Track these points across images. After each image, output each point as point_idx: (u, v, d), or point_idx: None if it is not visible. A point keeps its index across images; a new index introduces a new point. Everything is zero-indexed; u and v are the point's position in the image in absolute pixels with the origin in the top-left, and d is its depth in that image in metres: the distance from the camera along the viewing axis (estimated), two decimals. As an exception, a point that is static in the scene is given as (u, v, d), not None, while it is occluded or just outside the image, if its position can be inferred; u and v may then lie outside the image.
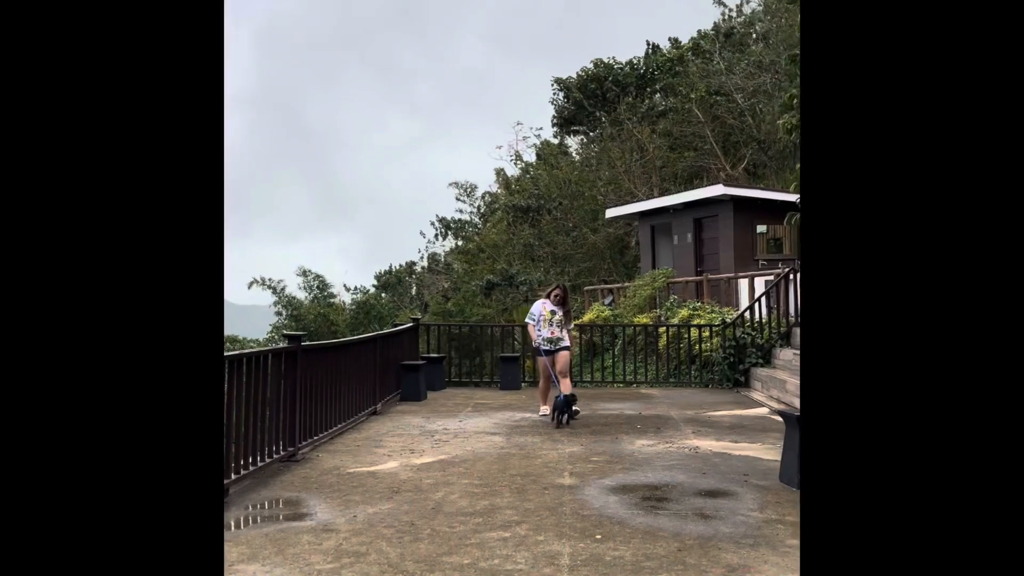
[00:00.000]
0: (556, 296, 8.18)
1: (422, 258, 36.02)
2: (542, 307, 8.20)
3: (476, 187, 35.02)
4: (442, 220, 35.21)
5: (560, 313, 8.14)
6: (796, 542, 4.04)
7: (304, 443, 6.42)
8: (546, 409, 8.14)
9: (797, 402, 8.58)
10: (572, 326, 8.68)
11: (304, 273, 31.24)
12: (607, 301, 17.50)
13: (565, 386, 7.80)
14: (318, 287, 31.76)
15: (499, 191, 31.33)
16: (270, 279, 27.07)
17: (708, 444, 6.79)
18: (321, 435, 6.87)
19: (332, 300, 29.08)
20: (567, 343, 8.19)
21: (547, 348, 8.07)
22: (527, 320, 8.32)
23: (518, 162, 30.59)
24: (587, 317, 15.38)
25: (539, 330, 8.12)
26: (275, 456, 5.84)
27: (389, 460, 6.17)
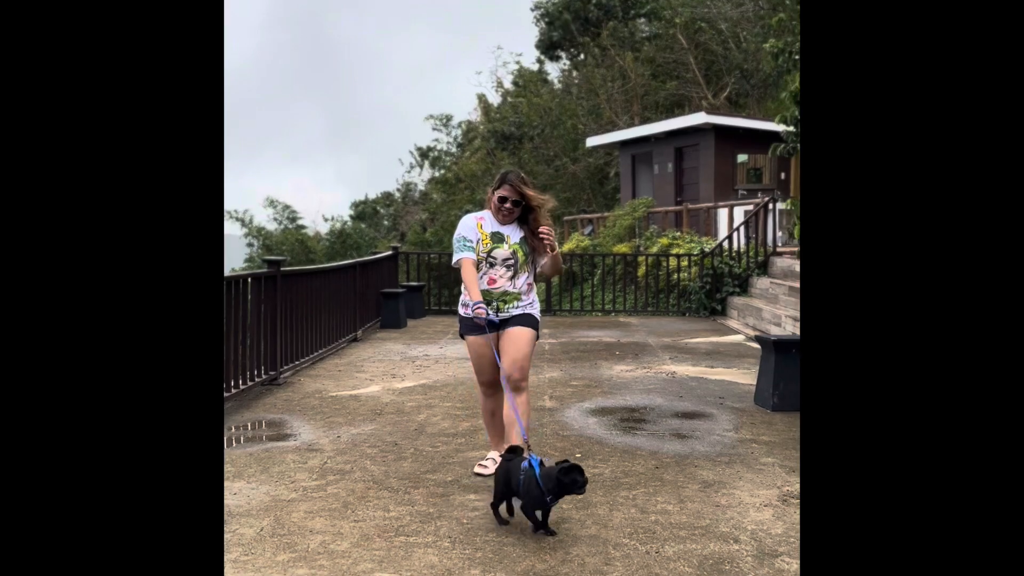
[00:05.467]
0: (504, 201, 3.66)
1: (399, 188, 35.58)
2: (476, 225, 3.72)
3: (452, 117, 34.37)
4: (419, 149, 34.65)
5: (515, 238, 3.69)
6: (770, 460, 4.17)
7: (285, 367, 6.44)
8: (486, 464, 3.88)
9: (773, 329, 8.74)
10: (547, 261, 3.75)
11: (271, 203, 30.72)
12: (586, 231, 17.49)
13: (518, 407, 3.59)
14: (287, 218, 31.31)
15: (478, 119, 30.77)
16: (235, 210, 26.62)
17: (685, 369, 6.92)
18: (302, 360, 6.89)
19: (303, 230, 28.73)
20: (531, 304, 3.77)
21: (487, 318, 3.57)
22: (456, 254, 3.71)
23: (499, 88, 29.97)
24: (567, 247, 15.38)
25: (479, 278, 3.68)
26: (257, 380, 5.85)
27: (371, 384, 6.22)
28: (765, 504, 3.48)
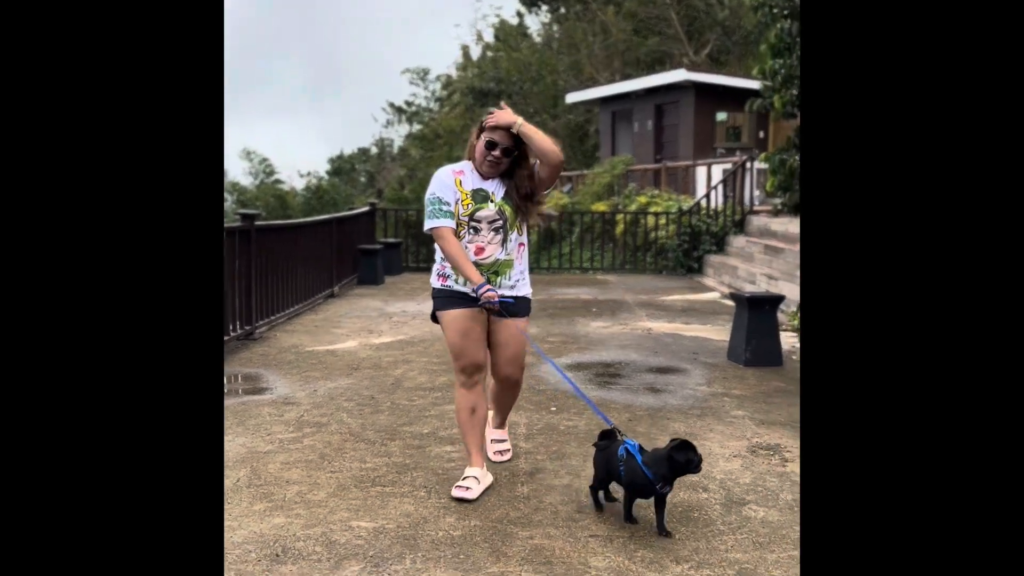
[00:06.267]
0: (493, 148, 2.97)
1: (375, 144, 35.13)
2: (454, 183, 3.03)
3: (429, 71, 33.78)
4: (392, 105, 34.09)
5: (500, 194, 3.03)
6: (741, 412, 4.26)
7: (261, 322, 6.42)
8: (467, 486, 3.01)
9: (748, 287, 8.83)
10: (535, 221, 3.16)
11: (248, 156, 30.01)
12: (565, 188, 17.44)
13: (507, 399, 3.32)
14: (264, 171, 30.71)
15: (457, 74, 30.30)
16: None
17: (660, 326, 7.00)
18: (278, 315, 6.87)
19: (280, 185, 28.27)
20: (523, 277, 3.15)
21: (501, 300, 3.01)
22: (430, 219, 3.01)
23: (480, 41, 29.48)
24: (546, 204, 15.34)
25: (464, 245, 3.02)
26: (232, 334, 5.83)
27: (348, 340, 6.23)
28: (734, 455, 3.56)
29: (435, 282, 3.10)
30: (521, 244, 3.11)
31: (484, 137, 2.98)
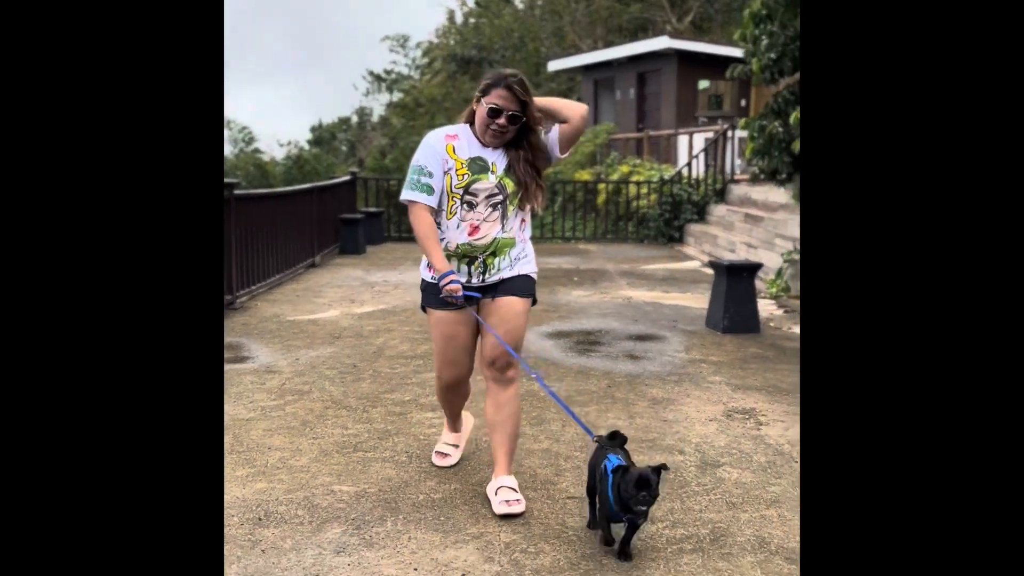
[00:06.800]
0: (498, 115, 2.55)
1: (355, 112, 34.67)
2: (446, 149, 2.62)
3: (409, 38, 33.31)
4: (373, 74, 33.59)
5: (502, 165, 2.62)
6: (718, 378, 4.34)
7: (242, 292, 6.40)
8: (445, 451, 3.08)
9: (728, 255, 8.90)
10: (542, 201, 2.69)
11: (227, 124, 29.61)
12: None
13: (505, 411, 2.72)
14: (244, 140, 30.30)
15: (439, 40, 29.89)
16: None
17: (641, 294, 7.06)
18: (259, 285, 6.85)
19: (260, 155, 27.96)
20: (525, 255, 2.74)
21: (463, 295, 2.58)
22: (407, 190, 2.62)
23: (463, 6, 29.04)
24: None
25: (443, 227, 2.64)
26: (213, 305, 5.81)
27: (330, 309, 6.23)
28: (710, 419, 3.63)
29: (424, 272, 2.71)
30: (523, 220, 2.71)
31: (486, 103, 2.54)
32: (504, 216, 2.62)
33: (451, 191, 2.59)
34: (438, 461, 3.04)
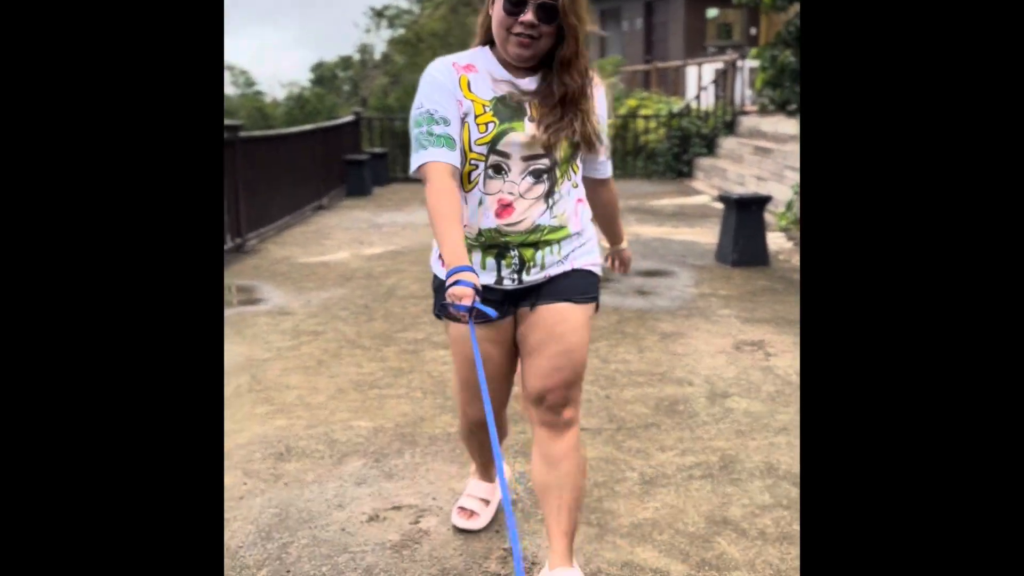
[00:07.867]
0: (520, 4, 1.58)
1: (357, 50, 34.01)
2: (459, 82, 1.66)
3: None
4: (373, 9, 32.80)
5: (539, 110, 1.66)
6: (727, 311, 4.37)
7: (251, 235, 6.43)
8: (467, 507, 2.21)
9: (737, 189, 8.83)
10: (607, 146, 1.80)
11: (228, 68, 29.27)
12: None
13: (563, 470, 1.80)
14: (244, 83, 29.90)
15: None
16: None
17: (649, 230, 7.04)
18: (267, 227, 6.87)
19: (261, 96, 27.67)
20: (585, 244, 1.80)
21: (475, 306, 1.48)
22: (416, 151, 1.61)
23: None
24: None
25: (466, 201, 1.70)
26: (224, 247, 5.85)
27: (339, 251, 6.26)
28: (719, 351, 3.68)
29: (436, 266, 1.83)
30: (580, 200, 1.80)
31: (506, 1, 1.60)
32: (552, 191, 1.70)
33: (469, 148, 1.66)
34: (462, 522, 2.17)
